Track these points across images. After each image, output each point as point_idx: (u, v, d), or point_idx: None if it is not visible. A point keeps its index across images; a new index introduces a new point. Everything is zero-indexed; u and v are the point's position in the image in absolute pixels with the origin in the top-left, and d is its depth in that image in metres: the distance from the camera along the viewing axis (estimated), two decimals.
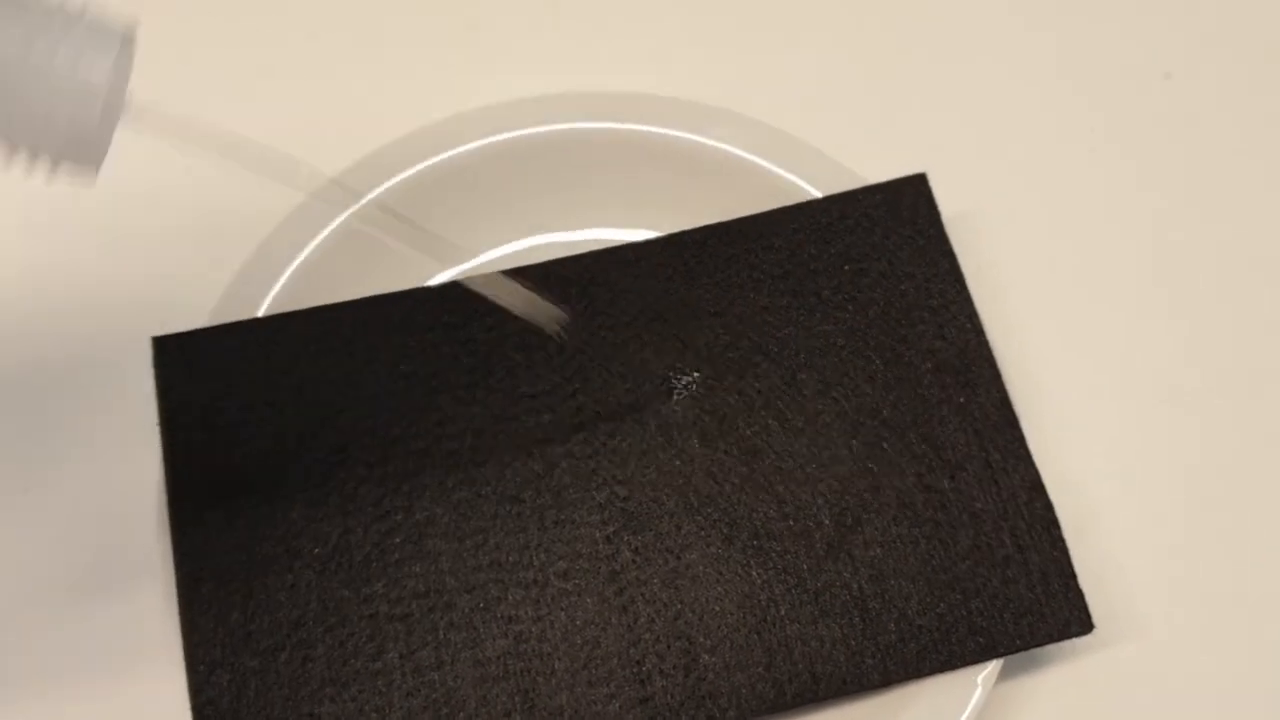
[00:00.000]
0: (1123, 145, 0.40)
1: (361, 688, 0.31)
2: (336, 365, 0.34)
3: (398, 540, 0.32)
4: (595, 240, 0.37)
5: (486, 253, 0.37)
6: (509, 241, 0.37)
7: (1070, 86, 0.41)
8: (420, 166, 0.36)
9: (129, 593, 0.34)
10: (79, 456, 0.35)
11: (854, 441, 0.33)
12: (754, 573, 0.32)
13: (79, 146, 0.24)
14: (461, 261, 0.37)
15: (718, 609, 0.32)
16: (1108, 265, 0.38)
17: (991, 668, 0.31)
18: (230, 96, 0.40)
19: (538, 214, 0.37)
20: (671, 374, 0.34)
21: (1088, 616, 0.32)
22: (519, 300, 0.31)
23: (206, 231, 0.38)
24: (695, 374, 0.34)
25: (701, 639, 0.32)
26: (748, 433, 0.34)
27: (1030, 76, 0.41)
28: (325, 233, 0.35)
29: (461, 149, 0.36)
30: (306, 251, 0.35)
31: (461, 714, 0.31)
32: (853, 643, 0.32)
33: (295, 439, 0.33)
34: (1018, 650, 0.31)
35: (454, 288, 0.35)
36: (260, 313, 0.35)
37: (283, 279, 0.35)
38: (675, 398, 0.34)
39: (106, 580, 0.34)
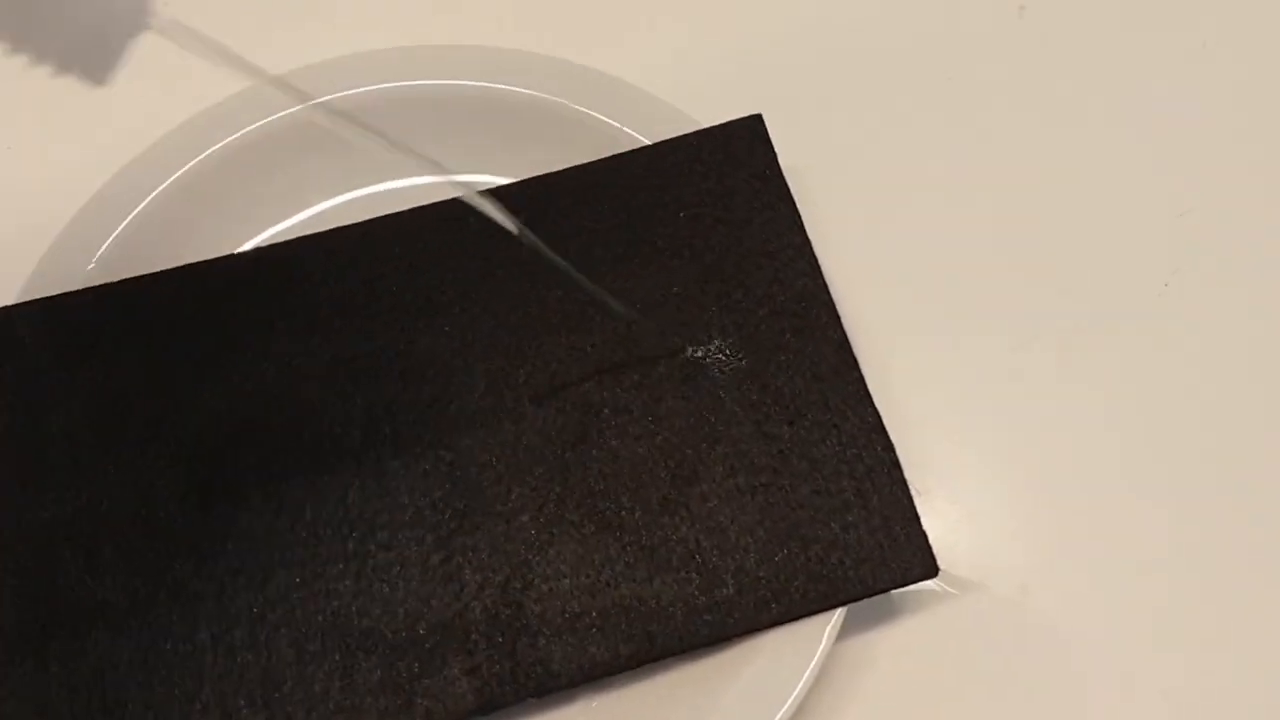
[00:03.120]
0: (965, 90, 0.39)
1: (170, 671, 0.29)
2: (145, 339, 0.33)
3: (209, 516, 0.31)
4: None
5: (300, 213, 0.35)
6: (322, 200, 0.35)
7: (915, 31, 0.40)
8: (240, 133, 0.35)
9: None
10: None
11: (689, 391, 0.32)
12: (587, 531, 0.31)
13: (93, 54, 0.23)
14: None
15: (549, 572, 0.31)
16: (944, 213, 0.37)
17: (836, 617, 0.30)
18: None
19: (355, 171, 0.35)
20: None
21: (932, 560, 0.30)
22: None
23: (19, 200, 0.36)
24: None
25: (532, 605, 0.30)
26: (583, 388, 0.32)
27: (867, 22, 0.40)
28: (146, 201, 0.34)
29: (272, 117, 0.35)
30: (127, 219, 0.34)
31: (276, 695, 0.29)
32: (690, 599, 0.30)
33: (104, 417, 0.32)
34: (860, 597, 0.30)
35: (267, 251, 0.34)
36: (75, 286, 0.33)
37: (99, 250, 0.34)
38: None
39: None
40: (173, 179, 0.34)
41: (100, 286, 0.33)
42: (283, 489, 0.31)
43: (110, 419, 0.32)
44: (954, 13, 0.41)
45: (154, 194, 0.34)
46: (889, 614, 0.32)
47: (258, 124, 0.35)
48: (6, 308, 0.33)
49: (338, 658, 0.30)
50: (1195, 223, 0.37)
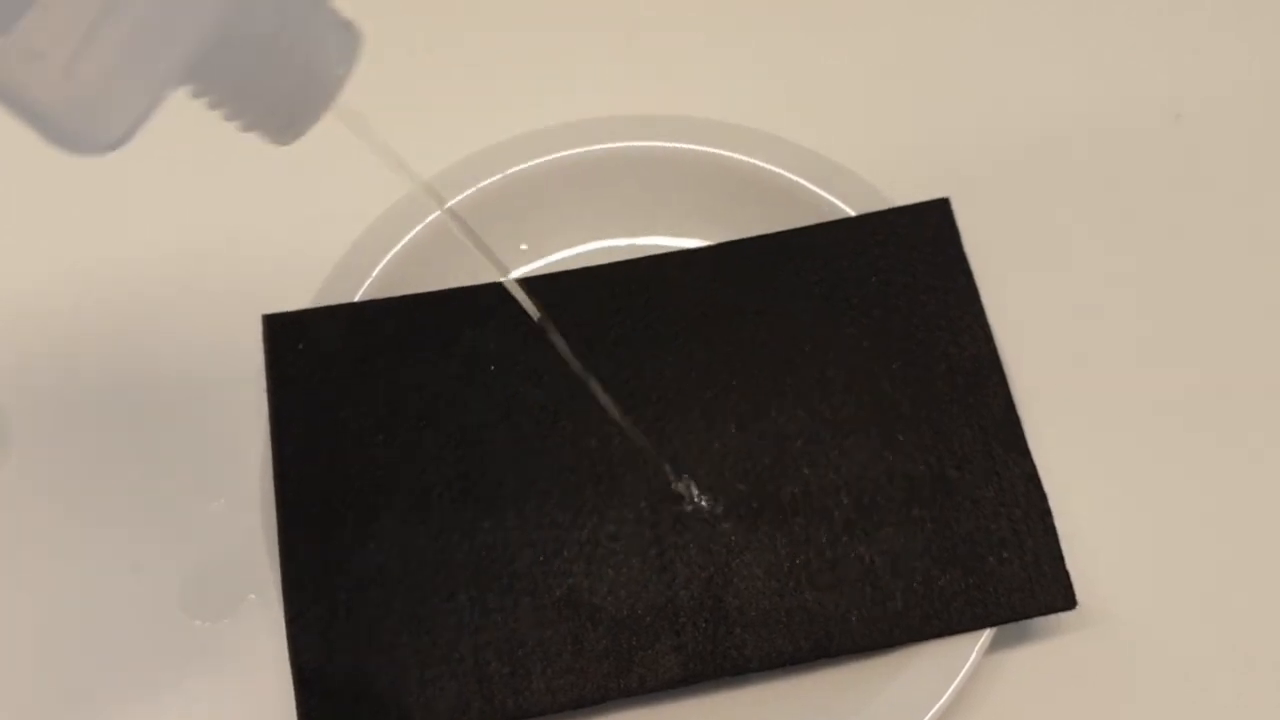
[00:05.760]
0: (1123, 194, 0.44)
1: (435, 624, 0.36)
2: (422, 347, 0.39)
3: (471, 499, 0.37)
4: (652, 246, 0.42)
5: (558, 252, 0.42)
6: (579, 244, 0.42)
7: (1082, 122, 0.45)
8: (503, 174, 0.41)
9: (236, 526, 0.39)
10: (193, 415, 0.41)
11: (873, 431, 0.38)
12: (779, 543, 0.37)
13: (285, 126, 0.25)
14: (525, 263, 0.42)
15: (745, 574, 0.36)
16: (1106, 288, 0.43)
17: (985, 635, 0.36)
18: None
19: (603, 221, 0.42)
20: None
21: (1072, 594, 0.36)
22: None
23: (310, 225, 0.43)
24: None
25: (730, 599, 0.36)
26: (780, 420, 0.38)
27: (1047, 110, 0.46)
28: (414, 231, 0.41)
29: (538, 161, 0.41)
30: (397, 247, 0.41)
31: (520, 650, 0.35)
32: (863, 609, 0.36)
33: (385, 408, 0.38)
34: (1009, 620, 0.36)
35: (537, 281, 0.40)
36: (356, 298, 0.40)
37: (375, 271, 0.40)
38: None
39: (217, 516, 0.39)
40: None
41: (386, 299, 0.40)
42: (533, 481, 0.37)
43: (391, 412, 0.38)
44: (1111, 118, 0.45)
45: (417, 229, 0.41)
46: (1031, 635, 0.37)
47: (526, 165, 0.42)
48: (304, 311, 0.40)
49: (570, 626, 0.36)
50: None
